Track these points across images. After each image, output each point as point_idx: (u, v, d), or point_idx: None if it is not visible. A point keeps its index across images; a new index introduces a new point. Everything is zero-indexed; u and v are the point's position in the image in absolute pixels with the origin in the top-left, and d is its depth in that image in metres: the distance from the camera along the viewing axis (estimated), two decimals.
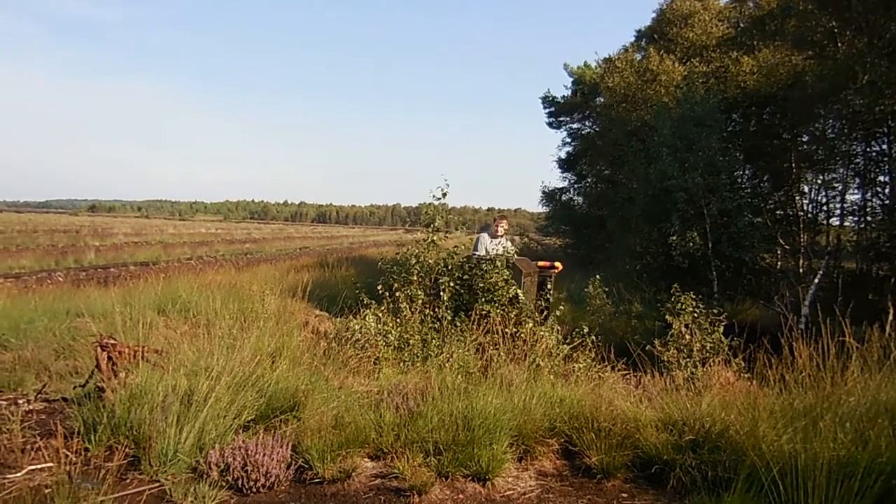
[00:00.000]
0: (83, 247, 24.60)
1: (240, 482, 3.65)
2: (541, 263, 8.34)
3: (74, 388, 4.94)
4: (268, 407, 4.38)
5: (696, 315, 6.01)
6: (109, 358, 4.74)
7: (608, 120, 17.51)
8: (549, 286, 8.00)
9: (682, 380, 5.27)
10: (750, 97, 13.91)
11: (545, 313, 7.37)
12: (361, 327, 6.55)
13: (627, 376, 5.38)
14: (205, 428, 3.93)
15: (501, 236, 8.31)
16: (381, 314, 6.83)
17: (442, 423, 4.18)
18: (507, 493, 3.91)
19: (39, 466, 3.62)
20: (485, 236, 8.35)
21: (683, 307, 6.05)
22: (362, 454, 4.09)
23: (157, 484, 3.58)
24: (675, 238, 10.33)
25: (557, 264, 8.30)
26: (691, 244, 10.08)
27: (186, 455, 3.77)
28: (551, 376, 5.18)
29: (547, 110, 25.72)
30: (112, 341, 4.90)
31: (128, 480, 3.57)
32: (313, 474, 3.85)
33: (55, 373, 5.59)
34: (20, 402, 5.00)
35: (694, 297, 6.15)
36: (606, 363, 5.45)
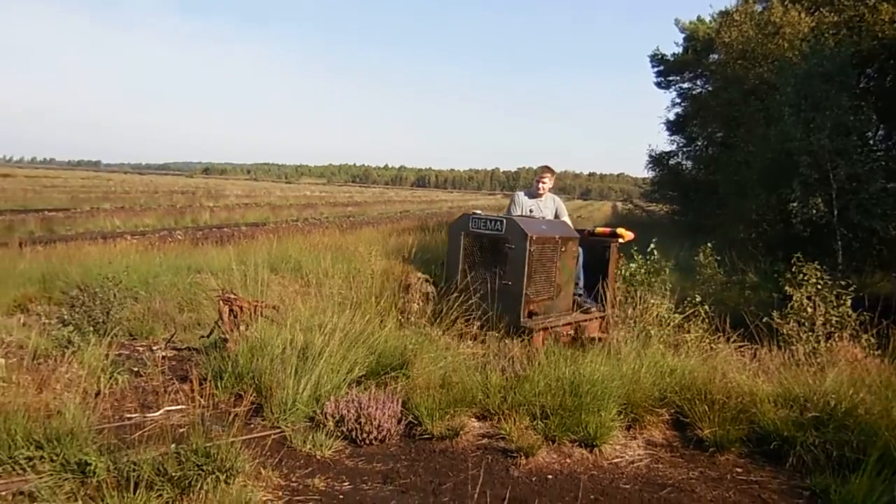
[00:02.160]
0: (199, 207, 26.04)
1: (353, 433, 3.80)
2: (599, 230, 6.90)
3: (200, 338, 5.29)
4: (378, 364, 4.51)
5: (819, 287, 5.63)
6: (231, 311, 5.02)
7: (723, 78, 16.47)
8: (610, 261, 6.36)
9: (802, 354, 4.98)
10: (889, 49, 12.63)
11: (588, 301, 6.25)
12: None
13: (742, 348, 5.14)
14: (320, 381, 4.10)
15: (542, 194, 6.62)
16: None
17: (549, 387, 4.17)
18: (615, 460, 3.87)
19: (174, 408, 3.91)
20: (520, 195, 6.71)
21: (806, 278, 5.67)
22: (469, 414, 4.15)
23: (279, 430, 3.80)
24: (795, 205, 9.66)
25: (623, 232, 6.57)
26: (814, 211, 9.38)
27: (304, 405, 3.96)
28: (661, 345, 5.03)
29: (655, 69, 24.58)
30: (233, 296, 5.19)
31: (252, 425, 3.81)
32: (422, 430, 3.95)
33: (180, 324, 5.99)
34: (154, 348, 5.41)
35: (818, 267, 5.75)
36: (720, 334, 5.22)
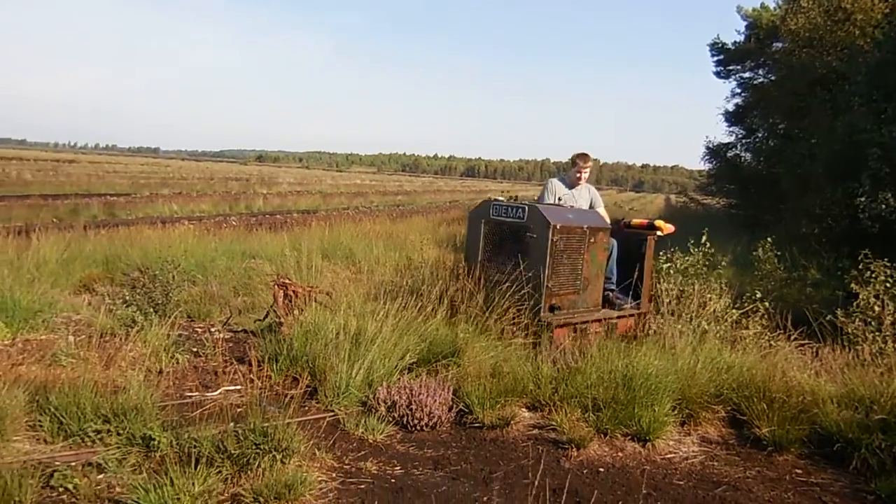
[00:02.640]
0: (252, 194, 26.58)
1: (405, 419, 3.83)
2: (636, 222, 6.36)
3: (255, 321, 5.41)
4: (429, 351, 4.53)
5: (888, 285, 5.39)
6: (286, 296, 5.12)
7: (787, 67, 15.83)
8: (646, 255, 5.84)
9: (868, 355, 4.78)
10: None
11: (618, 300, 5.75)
12: None
13: (803, 347, 4.97)
14: (373, 366, 4.15)
15: (580, 183, 6.13)
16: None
17: (601, 380, 4.12)
18: (669, 455, 3.80)
19: (232, 388, 4.02)
20: (554, 182, 6.22)
21: (874, 275, 5.44)
22: (520, 404, 4.14)
23: (332, 413, 3.86)
24: (863, 199, 9.22)
25: (662, 224, 6.07)
26: (883, 206, 8.94)
27: (357, 390, 4.02)
28: (717, 341, 4.91)
29: (715, 58, 23.83)
30: (287, 281, 5.29)
31: (306, 408, 3.88)
32: (473, 419, 3.96)
33: (235, 307, 6.14)
34: (212, 330, 5.57)
35: (887, 265, 5.51)
36: (780, 332, 5.06)
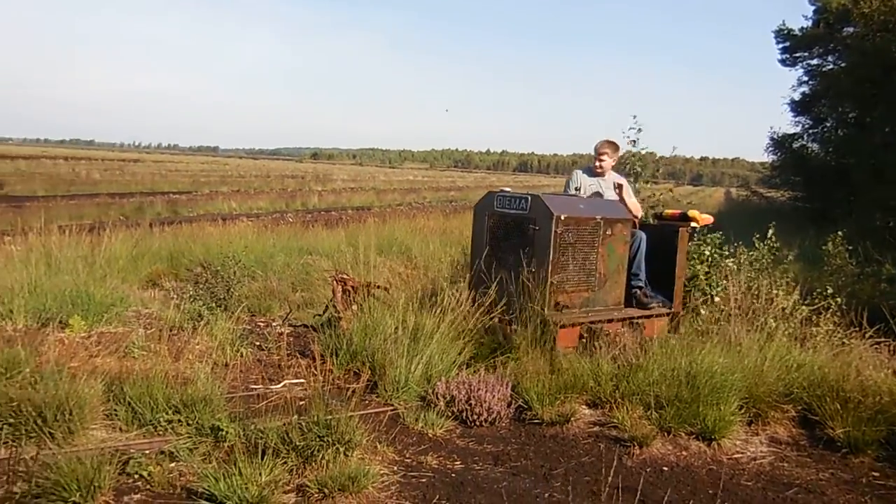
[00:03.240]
0: (308, 191, 27.06)
1: (464, 414, 3.83)
2: (668, 212, 5.91)
3: (314, 316, 5.51)
4: (487, 347, 4.52)
5: None
6: (344, 291, 5.19)
7: (859, 53, 15.11)
8: (678, 249, 5.34)
9: None
10: None
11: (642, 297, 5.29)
12: None
13: (879, 345, 4.74)
14: (431, 361, 4.17)
15: (603, 172, 5.65)
16: None
17: (663, 377, 4.04)
18: (735, 455, 3.69)
19: (295, 381, 4.10)
20: (577, 172, 5.83)
21: None
22: (580, 401, 4.09)
23: (392, 407, 3.90)
24: None
25: (696, 215, 5.57)
26: None
27: (416, 384, 4.05)
28: (785, 339, 4.74)
29: (780, 45, 22.90)
30: (345, 276, 5.36)
31: (367, 401, 3.92)
32: (532, 415, 3.93)
33: (293, 302, 6.26)
34: (273, 325, 5.69)
35: None
36: (854, 329, 4.85)
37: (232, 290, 5.78)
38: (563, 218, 4.71)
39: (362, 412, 3.55)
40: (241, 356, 4.57)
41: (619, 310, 5.15)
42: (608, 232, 5.02)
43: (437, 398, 3.91)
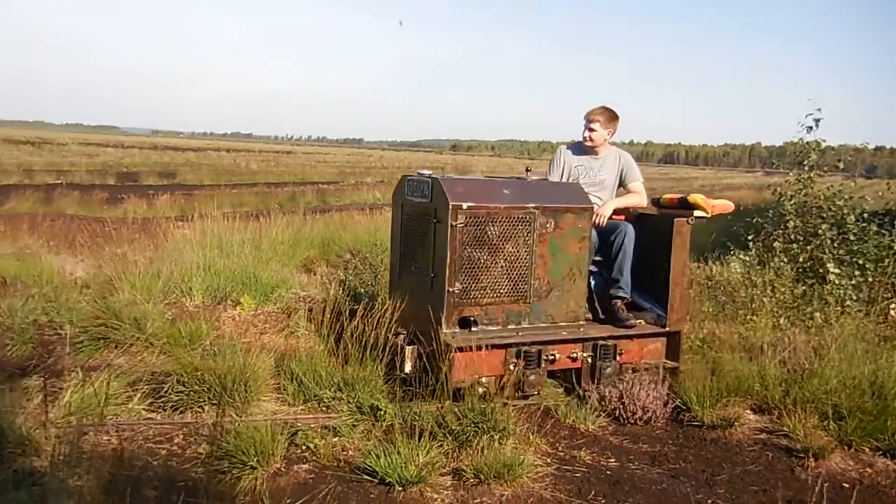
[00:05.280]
0: None
1: (616, 412, 3.71)
2: (667, 198, 4.44)
3: None
4: None
5: None
6: None
7: None
8: (674, 245, 4.04)
9: None
10: None
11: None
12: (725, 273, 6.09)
13: None
14: None
15: (594, 147, 4.45)
16: (748, 259, 6.27)
17: (843, 385, 3.68)
18: None
19: None
20: (562, 150, 4.60)
21: None
22: (744, 405, 3.83)
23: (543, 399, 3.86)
24: None
25: (698, 200, 4.10)
26: None
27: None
28: None
29: None
30: None
31: (518, 393, 3.90)
32: (691, 416, 3.74)
33: None
34: None
35: None
36: None
37: (378, 276, 5.98)
38: (465, 208, 3.61)
39: (515, 402, 3.54)
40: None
41: (575, 327, 3.95)
42: (549, 226, 3.83)
43: (590, 394, 3.81)
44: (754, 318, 5.01)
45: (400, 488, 2.78)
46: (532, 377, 3.66)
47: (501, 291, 3.77)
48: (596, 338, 3.93)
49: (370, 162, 47.33)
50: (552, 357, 3.76)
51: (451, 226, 3.59)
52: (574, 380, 3.95)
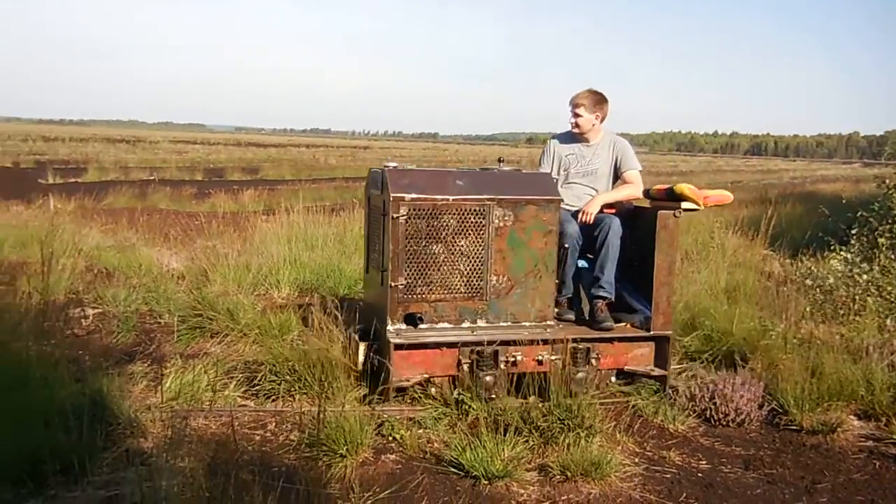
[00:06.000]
0: None
1: (707, 412, 3.59)
2: (656, 188, 4.10)
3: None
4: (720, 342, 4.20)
5: None
6: None
7: None
8: (658, 240, 3.70)
9: None
10: None
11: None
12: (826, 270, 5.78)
13: None
14: None
15: (584, 135, 4.18)
16: (850, 256, 5.93)
17: None
18: None
19: None
20: (551, 143, 4.36)
21: None
22: (847, 410, 3.62)
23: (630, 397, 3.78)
24: None
25: (686, 190, 3.79)
26: None
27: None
28: None
29: None
30: None
31: (600, 391, 3.83)
32: (787, 420, 3.56)
33: None
34: None
35: None
36: None
37: None
38: (408, 199, 3.47)
39: (601, 400, 3.49)
40: None
41: (542, 327, 3.68)
42: (508, 219, 3.61)
43: (678, 393, 3.70)
44: (857, 318, 4.74)
45: (486, 482, 2.79)
46: (488, 378, 3.40)
47: (453, 288, 3.59)
48: (568, 338, 3.56)
49: (445, 156, 47.66)
50: (513, 359, 3.50)
51: (394, 218, 3.45)
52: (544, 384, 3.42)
